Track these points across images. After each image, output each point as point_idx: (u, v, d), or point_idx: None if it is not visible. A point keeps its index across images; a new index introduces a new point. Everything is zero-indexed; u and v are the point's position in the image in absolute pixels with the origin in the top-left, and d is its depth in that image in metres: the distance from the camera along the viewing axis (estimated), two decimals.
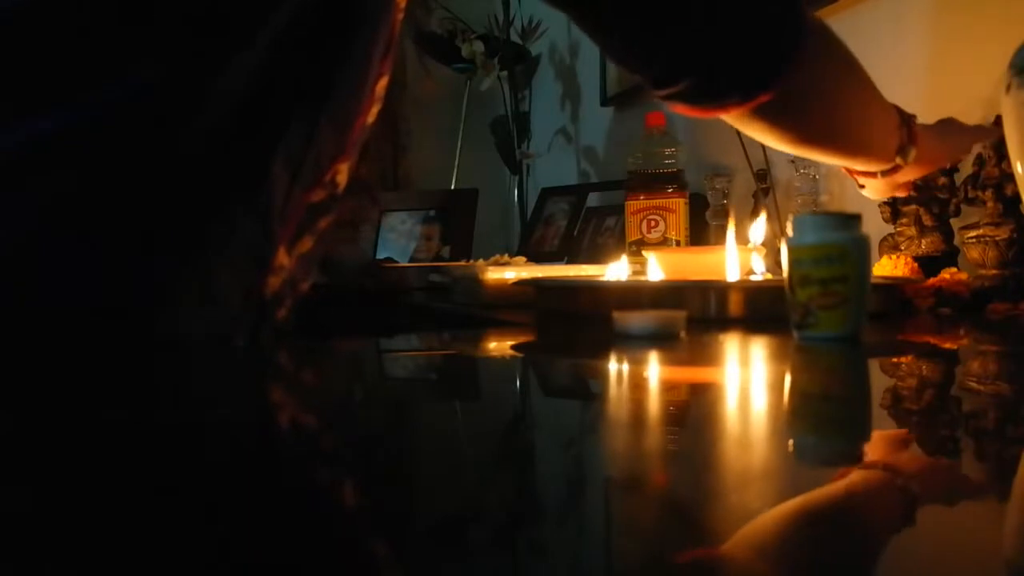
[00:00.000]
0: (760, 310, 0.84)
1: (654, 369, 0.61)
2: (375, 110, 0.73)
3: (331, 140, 0.68)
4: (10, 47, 0.60)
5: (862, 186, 0.94)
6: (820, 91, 0.76)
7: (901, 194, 0.97)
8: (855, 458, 0.36)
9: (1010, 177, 0.93)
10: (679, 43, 0.70)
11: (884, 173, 0.88)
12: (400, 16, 0.71)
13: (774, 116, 0.75)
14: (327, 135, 0.67)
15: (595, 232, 1.87)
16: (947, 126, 0.92)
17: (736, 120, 0.77)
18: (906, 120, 0.85)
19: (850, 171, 0.93)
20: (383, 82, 0.72)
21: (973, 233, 0.98)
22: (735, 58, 0.71)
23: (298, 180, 0.66)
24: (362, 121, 0.71)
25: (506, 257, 1.41)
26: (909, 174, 0.89)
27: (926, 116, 1.18)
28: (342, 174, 0.71)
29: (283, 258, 0.68)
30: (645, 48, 0.71)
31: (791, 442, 0.38)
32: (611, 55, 0.75)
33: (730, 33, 0.70)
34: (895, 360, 0.66)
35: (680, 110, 0.75)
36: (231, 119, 0.62)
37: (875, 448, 0.37)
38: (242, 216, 0.63)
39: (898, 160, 0.86)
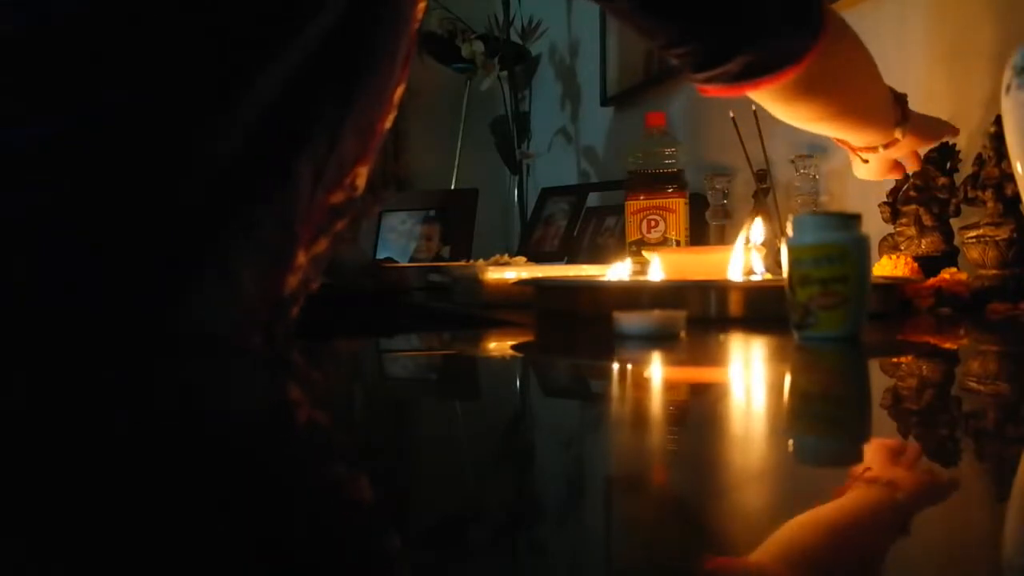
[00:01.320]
0: (760, 310, 0.84)
1: (654, 369, 0.61)
2: (392, 116, 0.74)
3: (353, 144, 0.69)
4: (44, 47, 0.60)
5: (865, 160, 1.00)
6: (839, 65, 0.82)
7: (895, 175, 1.04)
8: (855, 458, 0.36)
9: (1010, 177, 0.93)
10: (729, 24, 0.75)
11: (884, 147, 0.96)
12: (416, 26, 0.72)
13: (801, 91, 0.81)
14: (350, 139, 0.68)
15: (595, 232, 1.87)
16: (924, 115, 1.00)
17: (762, 96, 0.82)
18: (899, 98, 0.93)
19: (852, 148, 0.99)
20: (400, 89, 0.73)
21: (973, 233, 0.98)
22: (776, 35, 0.76)
23: (321, 182, 0.67)
24: (381, 126, 0.72)
25: (506, 257, 1.41)
26: (903, 148, 0.97)
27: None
28: (361, 177, 0.72)
29: (301, 258, 0.68)
30: (697, 32, 0.76)
31: (791, 442, 0.38)
32: (660, 42, 0.79)
33: (771, 11, 0.76)
34: (895, 360, 0.66)
35: (713, 92, 0.79)
36: (259, 123, 0.63)
37: (875, 450, 0.37)
38: (266, 216, 0.64)
39: (897, 133, 0.93)
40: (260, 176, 0.64)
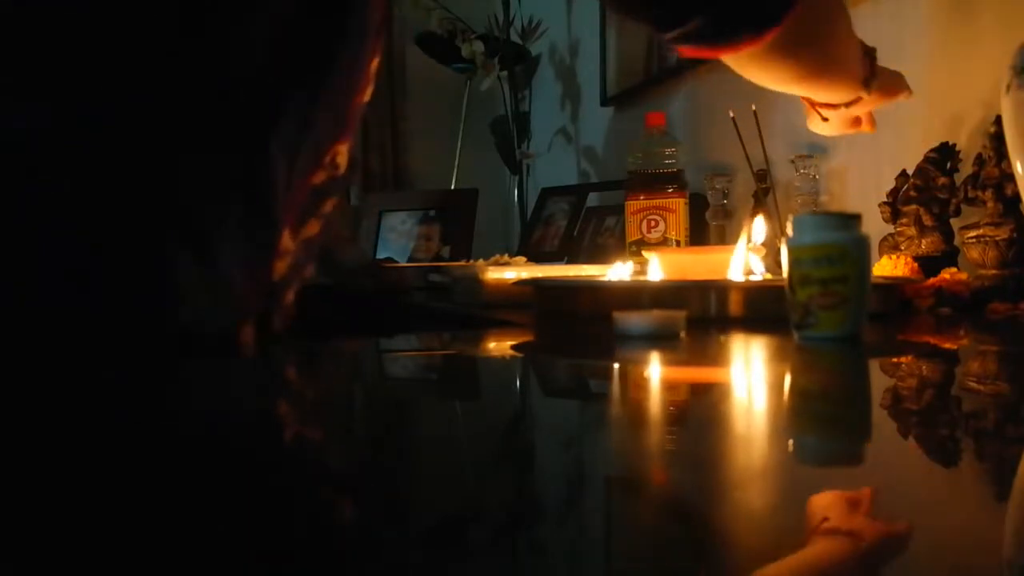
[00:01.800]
0: (760, 310, 0.84)
1: (654, 369, 0.61)
2: (369, 90, 0.73)
3: (329, 122, 0.68)
4: (19, 38, 0.60)
5: (825, 119, 0.95)
6: (818, 24, 0.78)
7: (852, 130, 0.98)
8: (855, 458, 0.36)
9: (1010, 177, 0.93)
10: None
11: (847, 105, 0.91)
12: None
13: (778, 52, 0.76)
14: (324, 118, 0.68)
15: (595, 232, 1.87)
16: (889, 71, 0.94)
17: (740, 60, 0.78)
18: (868, 52, 0.88)
19: (812, 104, 0.94)
20: (375, 62, 0.73)
21: (973, 233, 0.98)
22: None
23: (297, 164, 0.66)
24: (359, 101, 0.72)
25: (506, 257, 1.41)
26: (866, 105, 0.92)
27: (927, 116, 1.17)
28: (342, 155, 0.71)
29: (288, 242, 0.68)
30: None
31: (791, 442, 0.38)
32: (613, 4, 0.75)
33: None
34: (895, 360, 0.66)
35: (690, 52, 0.75)
36: (228, 108, 0.63)
37: (875, 450, 0.37)
38: (246, 205, 0.64)
39: (862, 92, 0.88)
40: (234, 164, 0.64)
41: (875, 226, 1.11)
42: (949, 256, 1.05)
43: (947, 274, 0.95)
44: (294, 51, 0.65)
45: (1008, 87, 0.85)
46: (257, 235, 0.65)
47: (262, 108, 0.64)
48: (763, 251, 0.97)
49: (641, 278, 1.03)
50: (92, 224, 0.60)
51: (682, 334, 0.70)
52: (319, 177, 0.69)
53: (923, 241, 1.06)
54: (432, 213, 2.09)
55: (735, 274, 0.91)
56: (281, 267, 0.68)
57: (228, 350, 0.65)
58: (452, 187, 2.40)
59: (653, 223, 1.42)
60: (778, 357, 0.66)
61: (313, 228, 0.71)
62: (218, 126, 0.63)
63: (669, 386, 0.56)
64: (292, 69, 0.65)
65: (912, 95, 0.96)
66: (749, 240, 0.95)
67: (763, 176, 1.34)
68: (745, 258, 0.92)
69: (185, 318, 0.63)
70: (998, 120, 0.92)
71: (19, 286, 0.58)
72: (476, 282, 1.20)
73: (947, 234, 1.06)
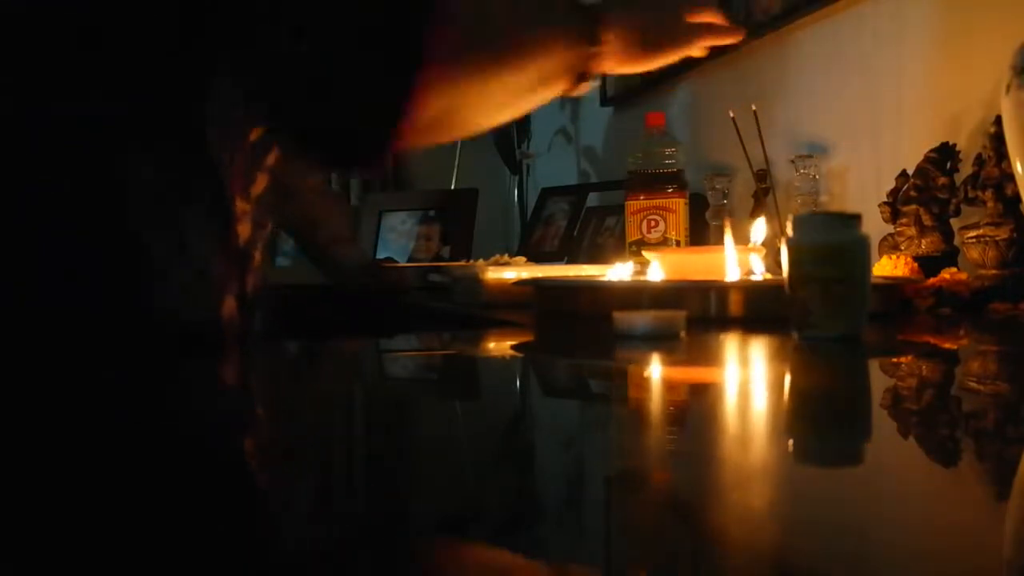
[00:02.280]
0: (760, 310, 0.84)
1: (654, 369, 0.61)
2: None
3: (252, 76, 0.67)
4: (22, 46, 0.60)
5: None
6: (479, 73, 0.68)
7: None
8: (855, 458, 0.36)
9: (1010, 177, 0.93)
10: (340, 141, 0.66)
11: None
12: None
13: (442, 111, 0.67)
14: (247, 74, 0.67)
15: (595, 232, 1.87)
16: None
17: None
18: (590, 24, 0.75)
19: None
20: None
21: (973, 233, 0.98)
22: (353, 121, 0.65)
23: (233, 128, 0.66)
24: None
25: (506, 257, 1.41)
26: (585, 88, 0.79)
27: (927, 116, 1.17)
28: None
29: (243, 205, 0.68)
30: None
31: (791, 442, 0.38)
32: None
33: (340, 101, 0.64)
34: (895, 360, 0.66)
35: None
36: (166, 91, 0.63)
37: (875, 450, 0.37)
38: (198, 182, 0.65)
39: (570, 88, 0.76)
40: (204, 160, 0.65)
41: (875, 226, 1.11)
42: (949, 256, 1.05)
43: (947, 274, 0.95)
44: (219, 18, 0.65)
45: (1008, 87, 0.85)
46: (217, 212, 0.66)
47: (199, 87, 0.65)
48: (763, 251, 0.97)
49: (641, 278, 1.03)
50: (92, 226, 0.60)
51: (682, 334, 0.70)
52: (256, 133, 0.69)
53: (923, 241, 1.06)
54: (432, 213, 2.09)
55: (733, 273, 0.91)
56: (244, 231, 0.69)
57: (217, 332, 0.65)
58: (452, 187, 2.40)
59: (653, 223, 1.42)
60: (778, 357, 0.66)
61: (261, 184, 0.71)
62: (187, 123, 0.64)
63: (669, 386, 0.56)
64: (219, 37, 0.65)
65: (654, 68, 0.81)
66: (747, 241, 0.95)
67: (763, 176, 1.34)
68: (735, 256, 0.92)
69: (186, 317, 0.63)
70: (998, 120, 0.92)
71: (20, 286, 0.58)
72: (476, 282, 1.20)
73: (947, 234, 1.06)
